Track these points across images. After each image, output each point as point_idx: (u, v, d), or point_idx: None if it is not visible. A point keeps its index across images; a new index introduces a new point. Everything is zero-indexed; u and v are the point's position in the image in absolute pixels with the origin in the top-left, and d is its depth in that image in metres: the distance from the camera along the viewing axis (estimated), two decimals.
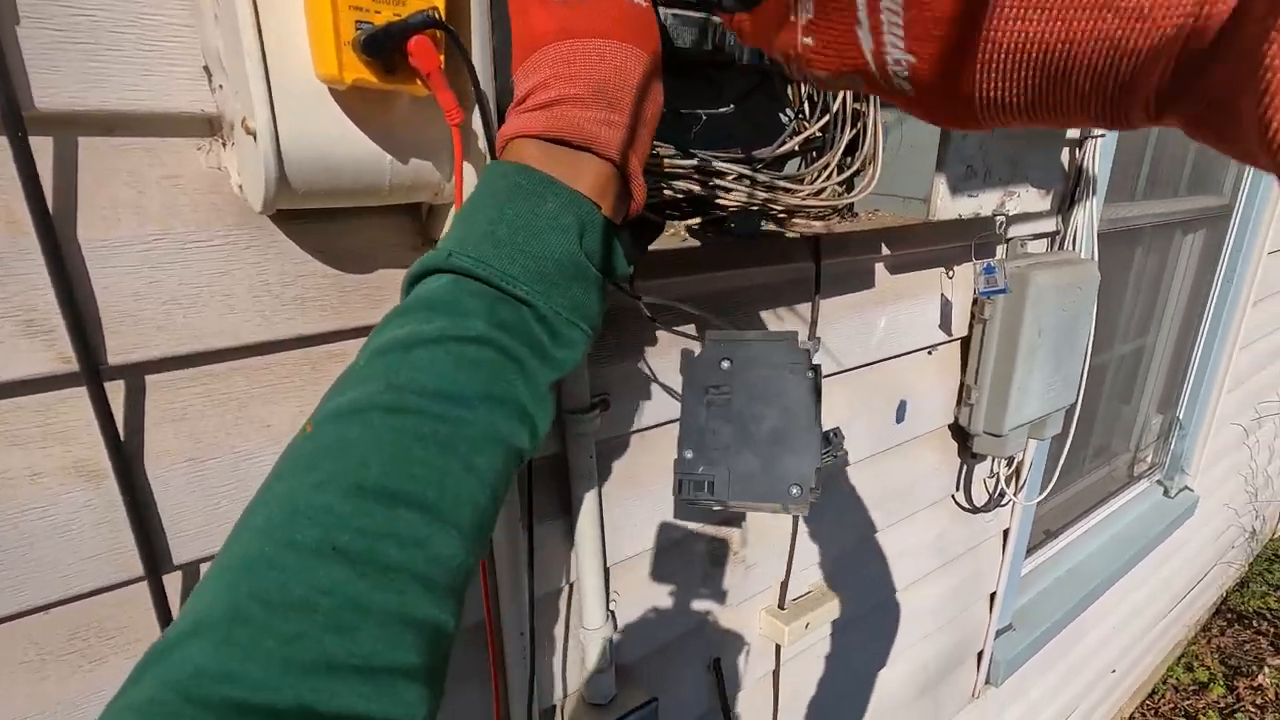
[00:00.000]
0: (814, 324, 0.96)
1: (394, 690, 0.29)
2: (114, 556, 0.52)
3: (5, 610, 0.50)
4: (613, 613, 0.86)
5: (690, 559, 0.96)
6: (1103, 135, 1.27)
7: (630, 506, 0.86)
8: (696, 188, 0.66)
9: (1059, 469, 1.53)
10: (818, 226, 0.77)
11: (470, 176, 0.50)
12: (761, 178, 0.70)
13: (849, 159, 0.80)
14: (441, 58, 0.43)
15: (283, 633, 0.28)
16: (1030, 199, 1.01)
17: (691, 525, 0.93)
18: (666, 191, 0.65)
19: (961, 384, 1.26)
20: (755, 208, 0.70)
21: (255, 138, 0.43)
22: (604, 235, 0.42)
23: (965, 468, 1.37)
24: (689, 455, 0.46)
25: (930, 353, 1.20)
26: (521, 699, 0.78)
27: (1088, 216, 1.32)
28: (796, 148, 0.79)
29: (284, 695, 0.27)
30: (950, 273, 1.15)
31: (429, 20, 0.41)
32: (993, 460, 1.43)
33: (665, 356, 0.83)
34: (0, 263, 0.44)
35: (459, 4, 0.47)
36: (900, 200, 0.85)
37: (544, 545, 0.77)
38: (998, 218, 0.97)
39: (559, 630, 0.83)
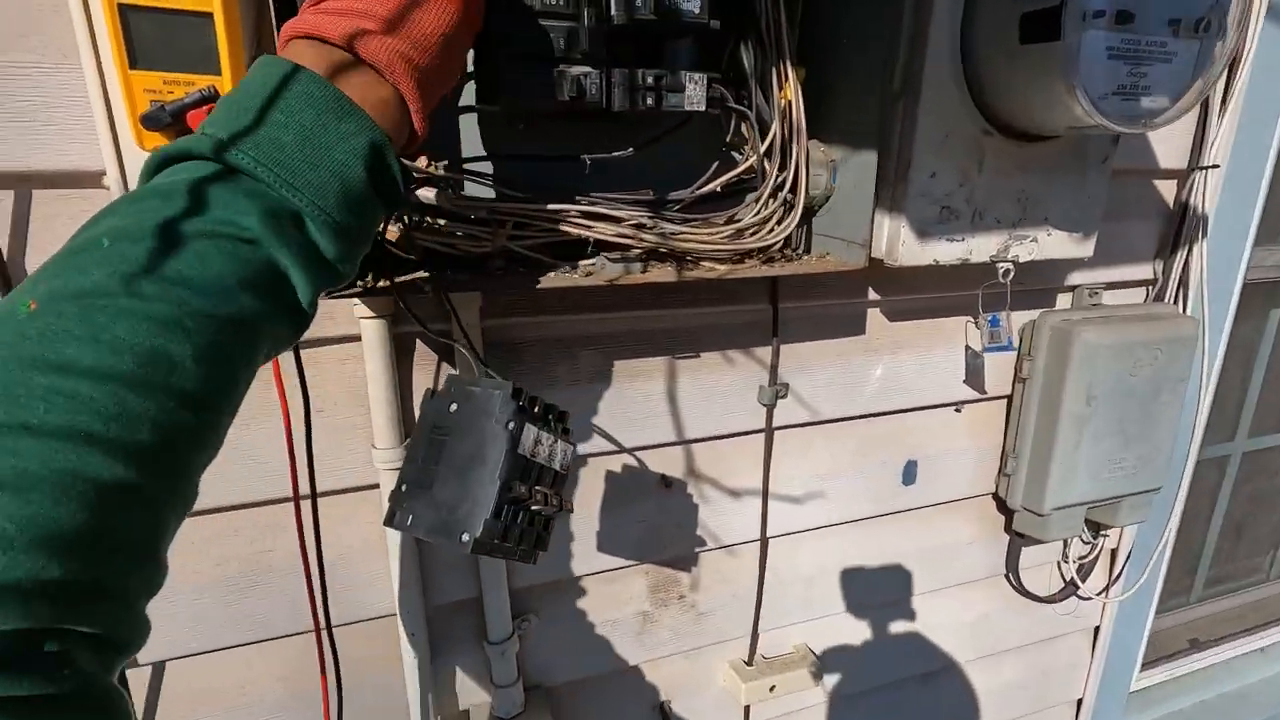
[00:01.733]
0: (774, 369, 0.91)
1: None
2: None
3: None
4: (522, 632, 0.88)
5: (629, 594, 0.96)
6: (1216, 166, 1.04)
7: (567, 526, 0.88)
8: (571, 229, 0.68)
9: (1205, 569, 1.24)
10: (721, 270, 0.74)
11: None
12: (644, 219, 0.70)
13: (775, 197, 0.76)
14: None
15: None
16: (1055, 243, 0.87)
17: (625, 560, 0.93)
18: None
19: (1003, 450, 1.10)
20: (635, 249, 0.70)
21: (110, 190, 0.55)
22: (390, 165, 0.41)
23: (1016, 547, 1.19)
24: (404, 488, 0.49)
25: (958, 410, 1.07)
26: (417, 698, 0.84)
27: (1198, 263, 1.09)
28: (720, 189, 0.77)
29: None
30: (979, 323, 1.02)
31: (205, 97, 0.49)
32: (1065, 543, 1.22)
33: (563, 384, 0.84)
34: None
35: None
36: (843, 244, 0.78)
37: (443, 557, 0.83)
38: (1000, 265, 0.85)
39: (466, 641, 0.88)
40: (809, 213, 0.81)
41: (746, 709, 1.09)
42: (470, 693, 0.90)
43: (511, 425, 0.46)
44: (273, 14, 0.50)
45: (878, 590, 1.11)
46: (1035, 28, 0.66)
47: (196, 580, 0.75)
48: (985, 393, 1.06)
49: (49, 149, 0.59)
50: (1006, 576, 1.22)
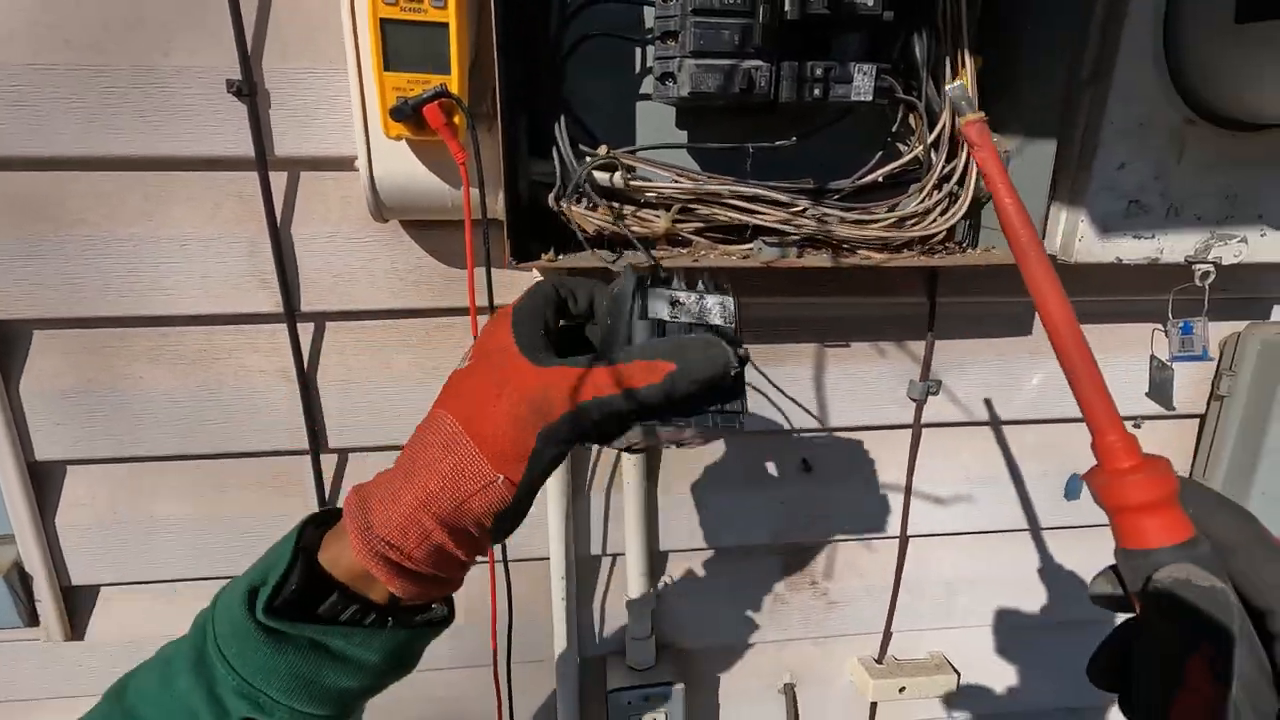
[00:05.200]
0: (927, 364, 0.90)
1: None
2: (298, 432, 0.83)
3: (249, 448, 0.84)
4: (659, 591, 0.95)
5: (761, 572, 0.99)
6: None
7: (707, 498, 0.93)
8: (723, 213, 0.72)
9: None
10: (878, 258, 0.75)
11: (475, 199, 0.66)
12: (801, 205, 0.73)
13: (940, 188, 0.75)
14: (458, 118, 0.62)
15: None
16: (1270, 245, 0.78)
17: (761, 538, 0.96)
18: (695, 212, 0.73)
19: (1189, 475, 1.00)
20: (793, 235, 0.73)
21: (359, 171, 0.67)
22: None
23: None
24: None
25: (1137, 426, 0.98)
26: (573, 643, 0.93)
27: None
28: (881, 179, 0.78)
29: None
30: (1168, 329, 0.93)
31: (436, 94, 0.59)
32: None
33: None
34: (253, 244, 0.76)
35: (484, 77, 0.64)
36: None
37: (591, 514, 0.91)
38: (1197, 267, 0.77)
39: (610, 595, 0.95)
40: (977, 204, 0.79)
41: (873, 706, 1.07)
42: (607, 641, 0.98)
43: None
44: (494, 20, 0.59)
45: (1026, 608, 1.05)
46: (1254, 5, 0.60)
47: None
48: (1173, 409, 0.97)
49: (315, 139, 0.73)
50: None
